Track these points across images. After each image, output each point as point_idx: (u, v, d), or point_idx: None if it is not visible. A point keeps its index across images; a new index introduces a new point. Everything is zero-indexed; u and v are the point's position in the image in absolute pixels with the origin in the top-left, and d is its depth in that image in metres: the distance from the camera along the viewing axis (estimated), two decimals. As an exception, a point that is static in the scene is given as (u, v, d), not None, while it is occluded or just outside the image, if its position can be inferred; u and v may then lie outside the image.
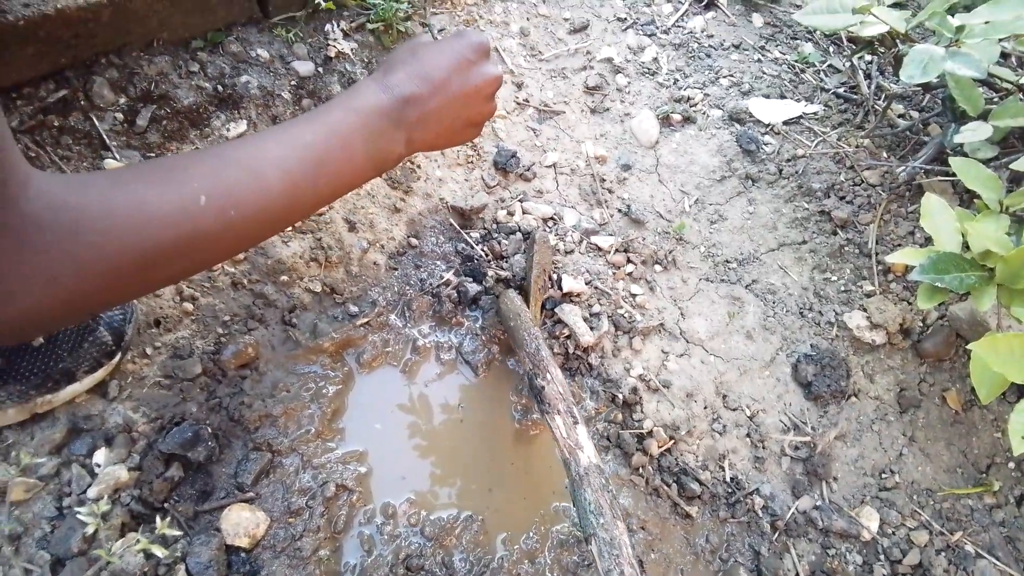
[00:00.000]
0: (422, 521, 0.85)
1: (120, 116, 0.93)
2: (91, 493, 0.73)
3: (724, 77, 1.40)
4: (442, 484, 0.89)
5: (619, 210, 1.17)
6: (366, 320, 0.94)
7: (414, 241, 1.04)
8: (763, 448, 1.01)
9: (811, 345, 1.12)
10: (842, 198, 1.24)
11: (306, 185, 0.59)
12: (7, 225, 0.41)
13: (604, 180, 1.18)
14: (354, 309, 0.95)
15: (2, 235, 0.41)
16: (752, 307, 1.13)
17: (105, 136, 0.92)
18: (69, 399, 0.75)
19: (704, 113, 1.32)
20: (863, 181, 1.25)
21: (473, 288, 0.99)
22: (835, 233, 1.21)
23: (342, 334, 0.91)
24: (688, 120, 1.30)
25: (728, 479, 0.98)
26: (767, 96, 1.37)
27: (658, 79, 1.37)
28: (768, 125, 1.32)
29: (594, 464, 0.80)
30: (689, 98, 1.34)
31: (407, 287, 1.00)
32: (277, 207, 0.58)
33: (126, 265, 0.48)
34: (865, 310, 1.12)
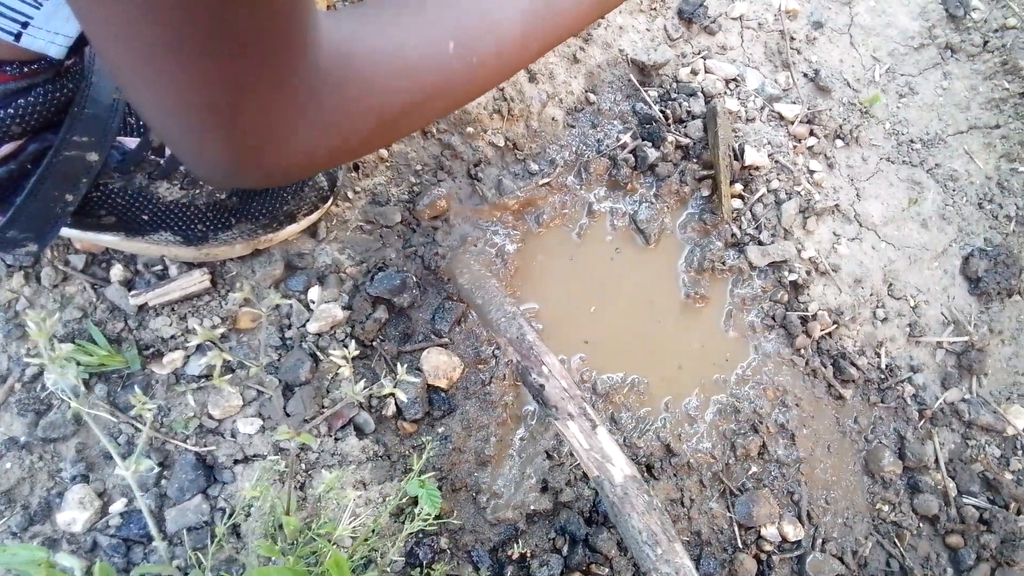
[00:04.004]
0: (593, 378, 0.90)
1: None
2: (311, 328, 0.78)
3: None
4: (611, 346, 0.92)
5: (805, 74, 1.08)
6: (547, 180, 0.93)
7: (592, 97, 0.99)
8: (920, 339, 1.00)
9: (984, 239, 1.08)
10: (1050, 79, 1.12)
11: (536, 29, 0.57)
12: (293, 73, 0.40)
13: (793, 39, 1.08)
14: (534, 167, 0.94)
15: (288, 82, 0.40)
16: (932, 193, 1.08)
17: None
18: (285, 238, 0.79)
19: (912, -34, 1.17)
20: (1083, 62, 1.12)
21: (652, 154, 0.96)
22: (1034, 119, 1.11)
23: (526, 193, 0.91)
24: (893, -26, 1.15)
25: (883, 366, 0.99)
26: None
27: (860, -81, 1.20)
28: (982, -14, 1.17)
29: (630, 476, 0.66)
30: (895, -55, 1.18)
31: (584, 147, 0.97)
32: (510, 53, 0.56)
33: (388, 113, 0.48)
34: (1057, 208, 1.05)
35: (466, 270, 0.78)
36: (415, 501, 0.74)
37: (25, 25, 0.45)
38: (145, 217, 0.66)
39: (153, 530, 0.64)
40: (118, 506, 0.70)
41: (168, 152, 0.64)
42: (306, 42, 0.39)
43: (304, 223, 0.78)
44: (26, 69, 0.50)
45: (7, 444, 0.70)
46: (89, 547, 0.69)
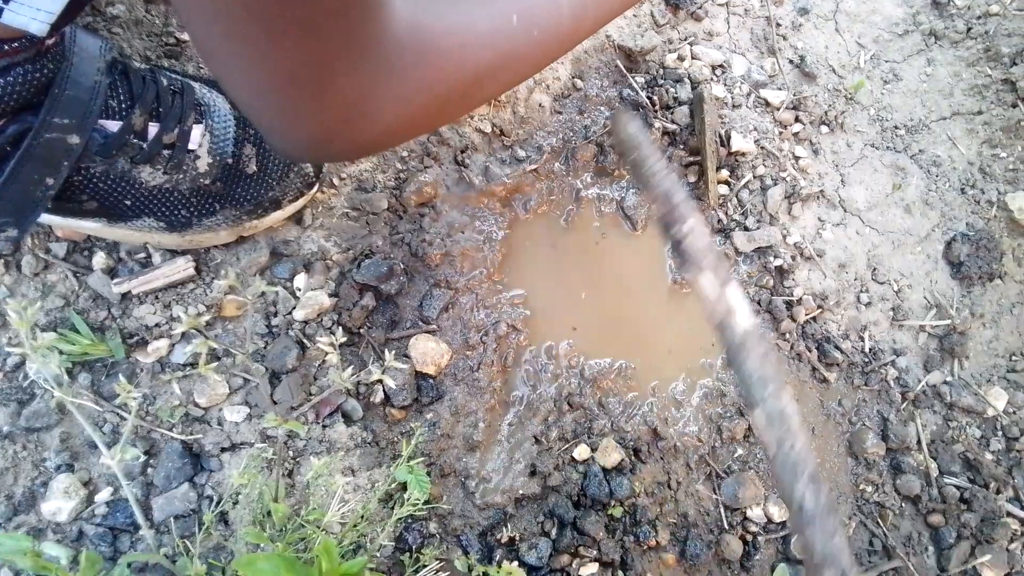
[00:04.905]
0: (581, 364, 0.90)
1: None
2: (297, 315, 0.78)
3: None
4: (598, 332, 0.92)
5: (791, 61, 1.08)
6: (534, 167, 0.93)
7: (579, 83, 0.99)
8: (903, 323, 1.02)
9: (967, 224, 1.09)
10: (1031, 66, 1.13)
11: (589, 6, 0.59)
12: (375, 47, 0.41)
13: (779, 25, 1.09)
14: (521, 153, 0.93)
15: (371, 56, 0.41)
16: (915, 179, 1.08)
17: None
18: (270, 225, 0.78)
19: (896, -48, 1.17)
20: (1063, 48, 1.13)
21: (639, 139, 0.96)
22: (1015, 106, 1.12)
23: (514, 179, 0.91)
24: (878, -40, 1.16)
25: (867, 350, 1.00)
26: (968, -65, 1.20)
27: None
28: (965, -28, 1.17)
29: (750, 328, 0.68)
30: (879, -69, 1.18)
31: (571, 134, 0.97)
32: (566, 28, 0.58)
33: (460, 85, 0.49)
34: (1034, 193, 1.07)
35: (628, 125, 0.79)
36: (404, 487, 0.74)
37: (7, 1, 0.44)
38: (128, 202, 0.65)
39: (140, 518, 0.64)
40: (104, 495, 0.70)
41: (151, 136, 0.63)
42: (384, 16, 0.40)
43: (290, 209, 0.77)
44: (6, 47, 0.49)
45: (-10, 434, 0.69)
46: (75, 536, 0.69)
